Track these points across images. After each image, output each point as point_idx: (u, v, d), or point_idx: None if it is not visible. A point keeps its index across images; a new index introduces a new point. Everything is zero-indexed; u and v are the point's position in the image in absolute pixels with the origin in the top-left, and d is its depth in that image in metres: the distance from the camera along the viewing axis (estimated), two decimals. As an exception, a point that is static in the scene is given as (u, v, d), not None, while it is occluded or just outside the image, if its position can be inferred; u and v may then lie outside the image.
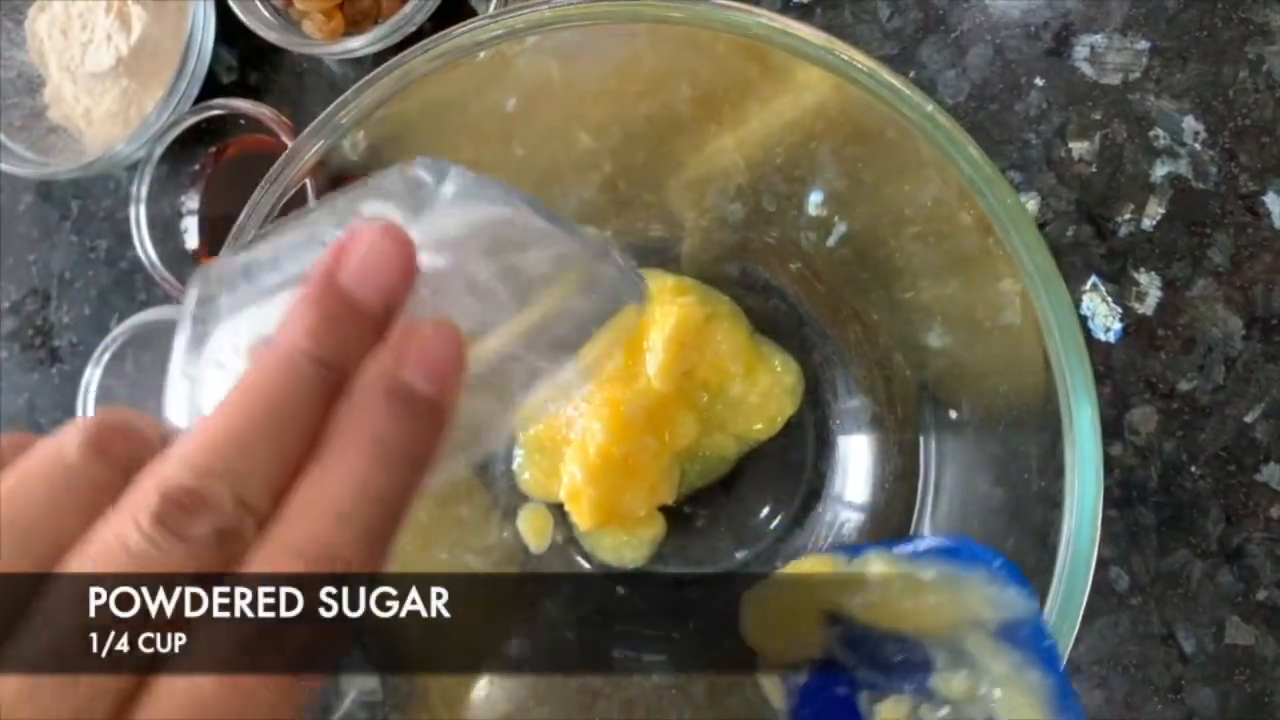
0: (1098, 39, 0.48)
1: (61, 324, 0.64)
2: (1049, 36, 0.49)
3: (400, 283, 0.24)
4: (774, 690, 0.36)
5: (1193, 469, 0.46)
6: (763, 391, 0.49)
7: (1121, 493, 0.47)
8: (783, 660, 0.35)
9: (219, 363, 0.28)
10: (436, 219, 0.29)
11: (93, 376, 0.60)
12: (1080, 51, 0.48)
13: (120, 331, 0.59)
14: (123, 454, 0.22)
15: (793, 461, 0.50)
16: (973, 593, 0.31)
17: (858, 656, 0.33)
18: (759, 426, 0.50)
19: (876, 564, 0.32)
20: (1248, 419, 0.46)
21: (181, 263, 0.59)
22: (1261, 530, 0.45)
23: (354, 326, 0.24)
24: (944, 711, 0.31)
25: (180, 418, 0.29)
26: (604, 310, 0.32)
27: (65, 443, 0.22)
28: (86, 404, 0.60)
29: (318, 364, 0.23)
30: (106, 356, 0.60)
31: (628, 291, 0.33)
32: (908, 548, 0.32)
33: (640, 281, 0.33)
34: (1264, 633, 0.45)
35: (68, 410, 0.61)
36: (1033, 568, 0.35)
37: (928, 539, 0.33)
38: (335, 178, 0.46)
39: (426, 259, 0.27)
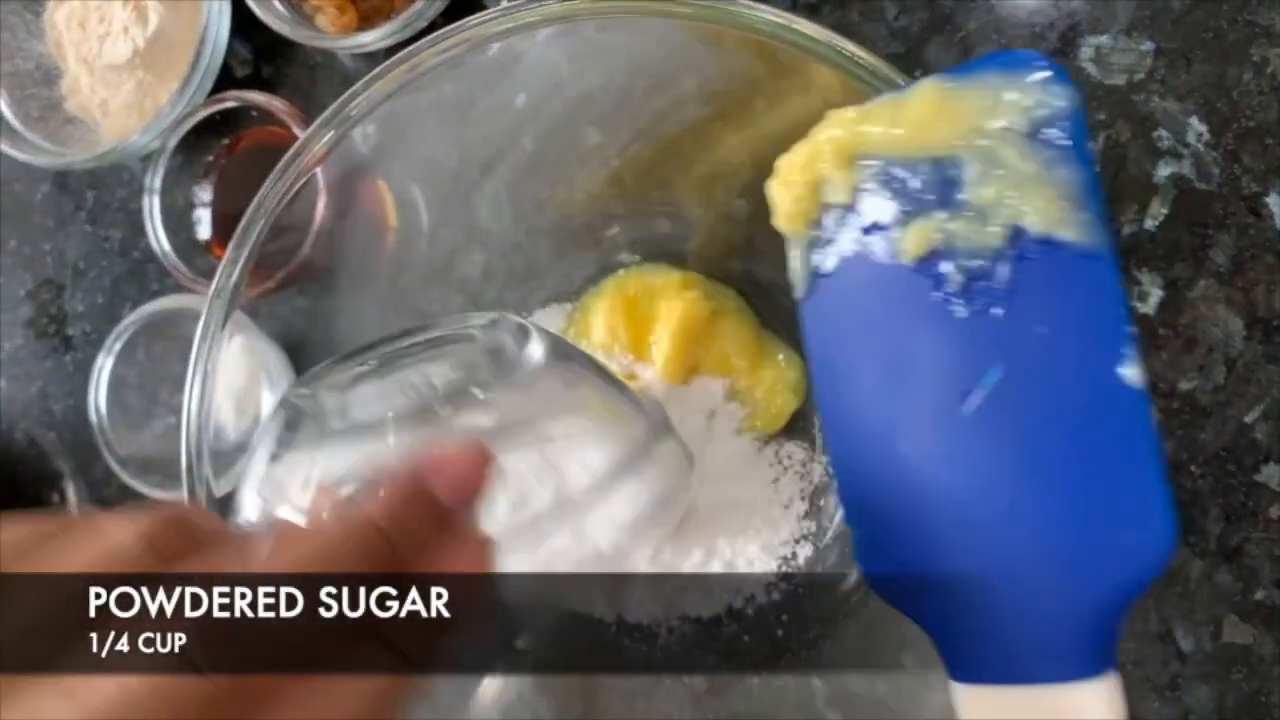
0: (1103, 40, 0.48)
1: (75, 313, 0.65)
2: (1055, 37, 0.49)
3: (476, 499, 0.27)
4: (800, 266, 0.35)
5: (1192, 468, 0.46)
6: (767, 387, 0.50)
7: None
8: (810, 217, 0.35)
9: (284, 487, 0.31)
10: (512, 397, 0.32)
11: (104, 364, 0.60)
12: (1085, 52, 0.48)
13: (132, 320, 0.60)
14: (170, 552, 0.24)
15: (797, 456, 0.50)
16: (1010, 93, 0.31)
17: (890, 188, 0.33)
18: (765, 422, 0.50)
19: (924, 89, 0.32)
20: (1248, 419, 0.46)
21: (194, 253, 0.59)
22: (1260, 530, 0.45)
23: (429, 526, 0.26)
24: (966, 218, 0.32)
25: (253, 517, 0.32)
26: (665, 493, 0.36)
27: (124, 540, 0.24)
28: (98, 392, 0.60)
29: (388, 543, 0.25)
30: (119, 345, 0.60)
31: (681, 469, 0.36)
32: (955, 70, 0.33)
33: (688, 453, 0.36)
34: (1261, 632, 0.45)
35: (80, 398, 0.62)
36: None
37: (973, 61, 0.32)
38: (343, 168, 0.47)
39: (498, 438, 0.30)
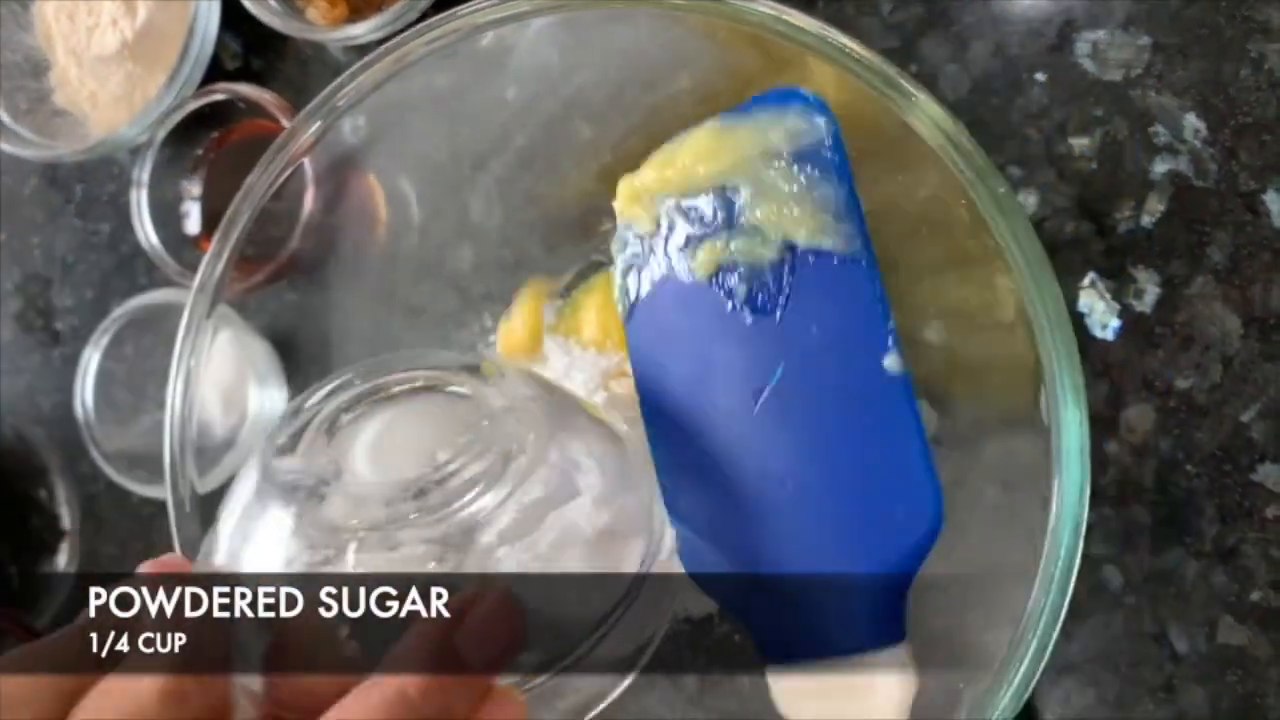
0: (1100, 35, 0.48)
1: (63, 307, 0.64)
2: (1051, 32, 0.48)
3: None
4: (618, 289, 0.41)
5: (1188, 468, 0.46)
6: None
7: (1116, 491, 0.46)
8: (639, 225, 0.40)
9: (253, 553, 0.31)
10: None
11: (91, 359, 0.60)
12: (1082, 47, 0.48)
13: (119, 314, 0.59)
14: (199, 708, 0.24)
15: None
16: (775, 126, 0.37)
17: (685, 216, 0.38)
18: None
19: (701, 132, 0.39)
20: (1244, 418, 0.45)
21: (183, 247, 0.59)
22: (1256, 530, 0.45)
23: (458, 690, 0.26)
24: (746, 237, 0.37)
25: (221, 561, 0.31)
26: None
27: (143, 691, 0.23)
28: (84, 386, 0.60)
29: None
30: (105, 339, 0.60)
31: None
32: (733, 111, 0.39)
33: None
34: (1257, 633, 0.45)
35: (68, 393, 0.61)
36: (1021, 565, 0.35)
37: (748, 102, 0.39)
38: (332, 161, 0.46)
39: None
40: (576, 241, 0.51)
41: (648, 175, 0.40)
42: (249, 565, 0.30)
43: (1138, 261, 0.47)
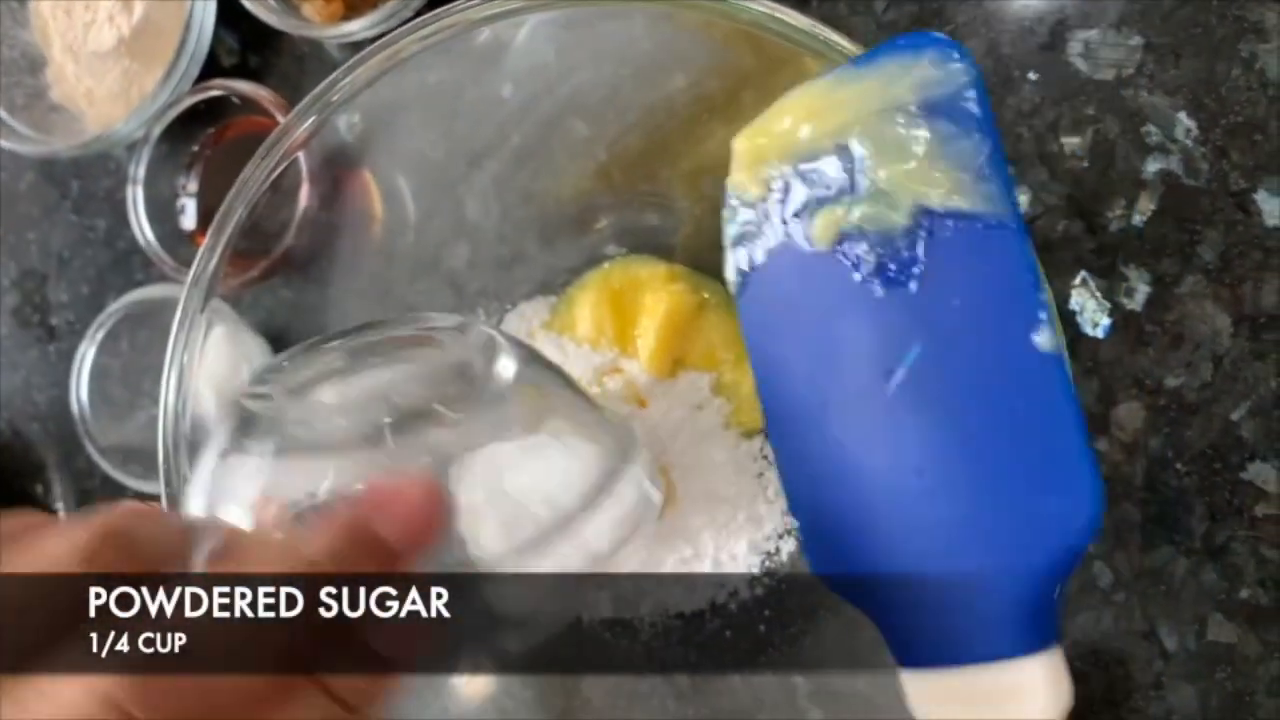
0: (1092, 34, 0.48)
1: (59, 302, 0.64)
2: (1044, 31, 0.49)
3: (429, 541, 0.27)
4: (730, 261, 0.37)
5: (1178, 466, 0.46)
6: (753, 381, 0.50)
7: (1106, 488, 0.47)
8: (748, 192, 0.36)
9: (234, 491, 0.31)
10: (482, 415, 0.31)
11: (86, 354, 0.60)
12: (1074, 47, 0.48)
13: (116, 309, 0.59)
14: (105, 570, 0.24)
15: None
16: (903, 75, 0.32)
17: (801, 178, 0.34)
18: (750, 416, 0.50)
19: (817, 85, 0.34)
20: (1234, 416, 0.46)
21: (178, 243, 0.59)
22: (1246, 528, 0.45)
23: (373, 564, 0.26)
24: (871, 201, 0.33)
25: (199, 512, 0.32)
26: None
27: (59, 555, 0.23)
28: (80, 381, 0.60)
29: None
30: (101, 334, 0.60)
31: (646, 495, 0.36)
32: (856, 60, 0.34)
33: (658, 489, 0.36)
34: (1246, 631, 0.45)
35: (64, 388, 0.61)
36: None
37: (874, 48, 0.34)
38: (328, 158, 0.46)
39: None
40: (573, 238, 0.52)
41: (757, 135, 0.36)
42: (227, 501, 0.31)
43: (1129, 260, 0.47)
